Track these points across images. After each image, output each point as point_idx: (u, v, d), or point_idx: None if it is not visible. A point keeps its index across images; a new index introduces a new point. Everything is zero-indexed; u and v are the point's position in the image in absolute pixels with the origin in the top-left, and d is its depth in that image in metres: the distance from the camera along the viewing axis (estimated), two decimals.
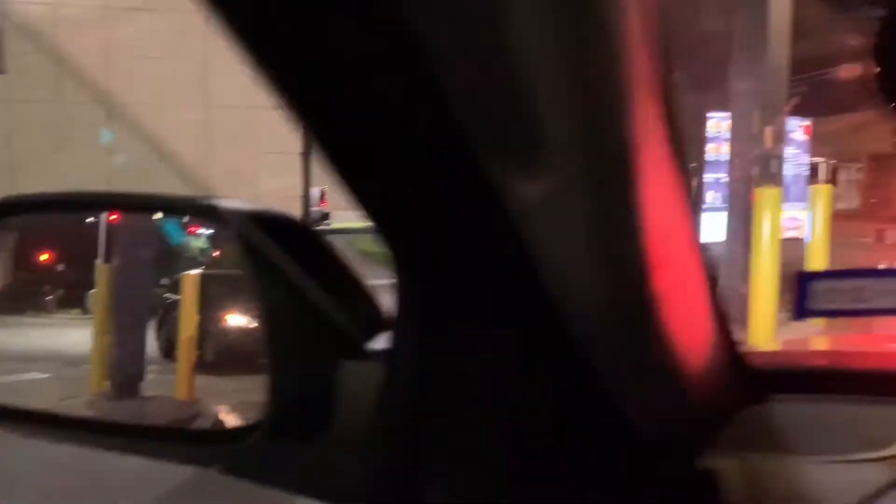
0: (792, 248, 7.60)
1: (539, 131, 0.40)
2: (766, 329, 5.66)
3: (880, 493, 0.61)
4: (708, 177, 9.40)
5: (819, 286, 0.67)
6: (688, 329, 0.62)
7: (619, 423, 0.62)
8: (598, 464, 0.62)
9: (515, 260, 0.44)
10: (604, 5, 0.38)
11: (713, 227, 8.37)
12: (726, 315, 0.71)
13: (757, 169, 6.53)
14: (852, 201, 40.40)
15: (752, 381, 0.77)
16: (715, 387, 0.71)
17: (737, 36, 6.82)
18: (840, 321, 4.98)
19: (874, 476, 0.64)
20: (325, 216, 15.94)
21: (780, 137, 7.04)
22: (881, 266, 4.85)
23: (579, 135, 0.41)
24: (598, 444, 0.62)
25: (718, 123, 8.59)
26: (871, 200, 36.95)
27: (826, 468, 0.67)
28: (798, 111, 15.05)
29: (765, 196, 5.78)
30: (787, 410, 0.77)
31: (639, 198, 0.45)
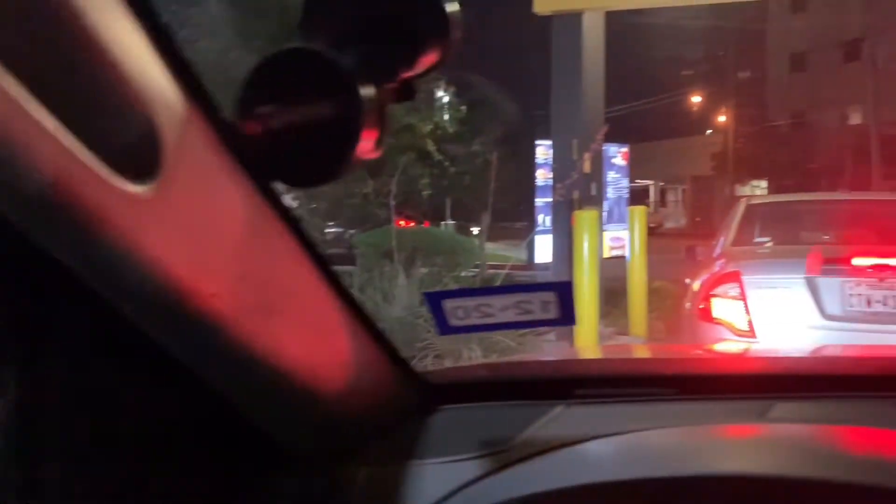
0: (619, 265, 8.10)
1: None
2: (589, 339, 5.99)
3: (468, 484, 0.65)
4: (539, 201, 9.85)
5: (448, 304, 0.70)
6: (320, 353, 0.63)
7: (240, 439, 0.62)
8: (206, 479, 0.62)
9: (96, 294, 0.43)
10: None
11: (544, 249, 8.78)
12: (386, 338, 0.73)
13: (577, 193, 6.90)
14: (679, 220, 43.57)
15: (422, 394, 0.81)
16: (373, 401, 0.73)
17: (553, 66, 7.22)
18: (659, 331, 5.26)
19: (476, 471, 0.68)
20: None
21: (599, 163, 7.50)
22: (687, 280, 5.25)
23: None
24: (212, 461, 0.62)
25: (545, 150, 9.02)
26: (696, 219, 40.09)
27: (450, 467, 0.71)
28: (622, 137, 16.15)
29: (583, 218, 6.11)
30: (454, 418, 0.82)
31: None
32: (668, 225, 39.04)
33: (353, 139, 0.45)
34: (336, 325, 0.65)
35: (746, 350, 1.53)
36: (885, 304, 3.78)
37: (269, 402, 0.59)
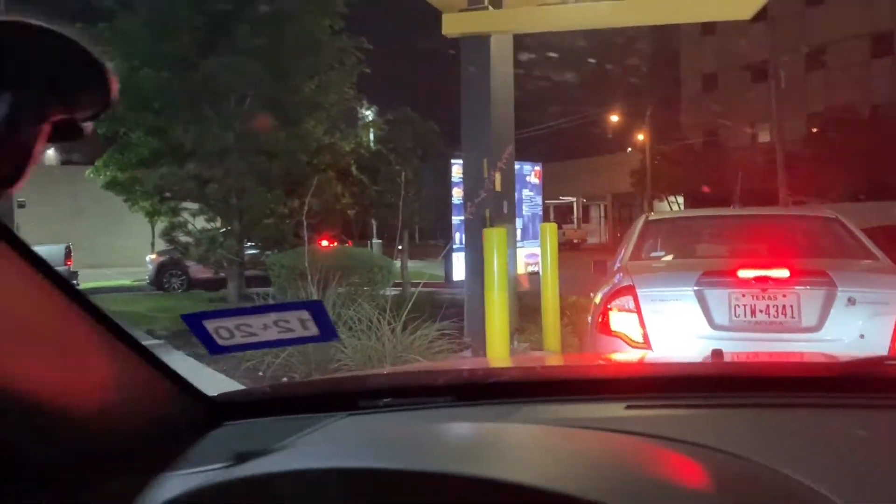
0: (537, 281, 8.24)
1: None
2: (501, 353, 6.06)
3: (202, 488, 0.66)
4: (455, 219, 9.95)
5: (210, 325, 0.71)
6: (70, 374, 0.64)
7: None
8: None
9: None
10: None
11: (461, 266, 8.85)
12: (161, 362, 0.74)
13: (488, 211, 6.99)
14: (602, 235, 44.54)
15: (207, 412, 0.83)
16: (142, 417, 0.74)
17: (463, 86, 7.33)
18: (573, 345, 5.32)
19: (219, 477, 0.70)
20: (73, 275, 14.62)
21: (510, 181, 7.63)
22: (591, 294, 5.39)
23: None
24: None
25: (459, 169, 9.12)
26: (617, 234, 41.03)
27: (195, 476, 0.73)
28: (544, 156, 16.48)
29: (492, 235, 6.19)
30: (235, 431, 0.84)
31: None
32: (592, 240, 39.98)
33: None
34: (88, 349, 0.66)
35: (543, 358, 1.61)
36: (767, 314, 3.97)
37: (9, 418, 0.60)
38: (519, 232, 9.03)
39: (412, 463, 0.63)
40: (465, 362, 1.98)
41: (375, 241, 22.95)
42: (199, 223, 10.76)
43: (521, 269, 8.95)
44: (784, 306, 3.95)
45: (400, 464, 0.64)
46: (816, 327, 3.87)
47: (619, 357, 1.59)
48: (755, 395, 0.90)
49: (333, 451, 0.71)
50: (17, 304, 0.59)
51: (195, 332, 0.72)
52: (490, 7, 7.23)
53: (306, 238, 7.71)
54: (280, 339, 0.72)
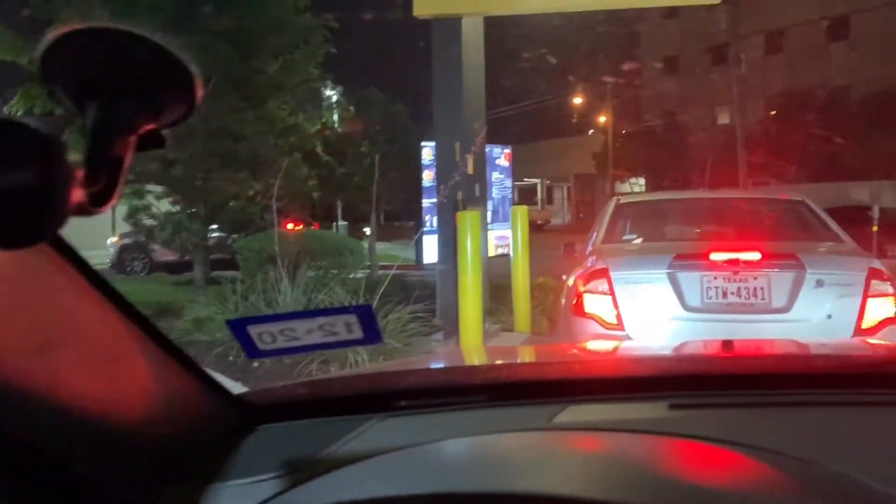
0: (507, 264, 8.28)
1: None
2: (474, 336, 6.10)
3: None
4: (426, 202, 9.93)
5: (254, 330, 0.71)
6: (114, 383, 0.63)
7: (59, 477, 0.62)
8: None
9: None
10: None
11: (432, 249, 8.86)
12: (195, 364, 0.73)
13: (461, 194, 6.99)
14: (565, 216, 44.80)
15: (240, 416, 0.82)
16: (181, 426, 0.73)
17: (434, 69, 7.29)
18: (543, 326, 5.38)
19: (274, 490, 0.70)
20: None
21: (482, 164, 7.63)
22: (563, 276, 5.43)
23: None
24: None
25: (430, 152, 9.09)
26: (580, 215, 41.38)
27: (250, 488, 0.73)
28: (507, 138, 16.50)
29: (466, 218, 6.20)
30: (270, 436, 0.84)
31: None
32: (555, 221, 40.30)
33: (53, 204, 0.46)
34: (132, 355, 0.65)
35: (567, 353, 1.63)
36: (738, 296, 4.06)
37: (59, 435, 0.59)
38: (489, 214, 9.06)
39: (470, 483, 0.63)
40: (496, 356, 1.97)
41: (341, 223, 22.81)
42: (164, 206, 10.57)
43: (491, 252, 8.99)
44: (755, 288, 4.05)
45: (434, 487, 0.65)
46: (786, 308, 3.98)
47: (647, 351, 1.61)
48: (795, 393, 0.92)
49: (371, 474, 0.71)
50: (66, 312, 0.58)
51: (237, 336, 0.72)
52: None
53: (275, 221, 7.63)
54: (322, 343, 0.72)
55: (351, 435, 0.82)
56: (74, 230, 0.50)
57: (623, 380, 0.96)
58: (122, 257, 16.11)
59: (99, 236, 16.62)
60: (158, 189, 10.65)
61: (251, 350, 0.72)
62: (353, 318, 0.70)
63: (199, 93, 0.54)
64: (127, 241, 15.72)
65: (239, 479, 0.75)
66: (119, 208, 14.09)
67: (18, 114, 9.28)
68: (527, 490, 0.64)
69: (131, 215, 10.44)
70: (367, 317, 0.71)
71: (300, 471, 0.74)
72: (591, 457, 0.73)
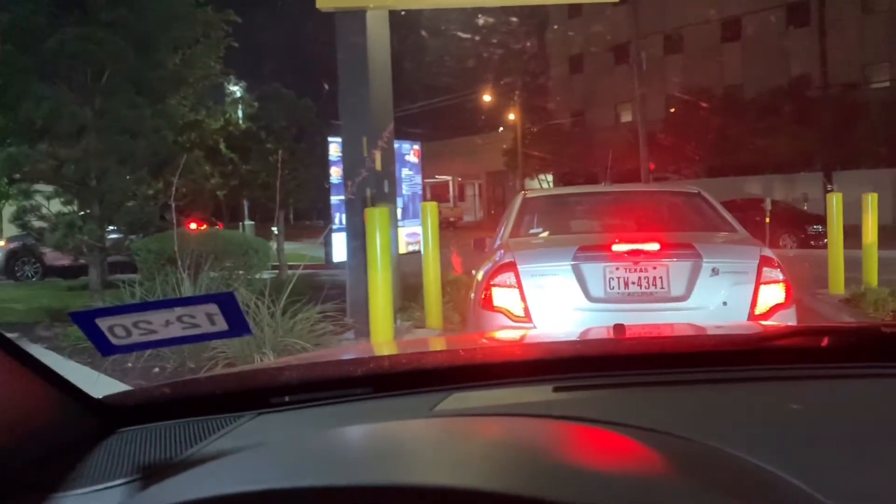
0: (418, 261, 8.26)
1: None
2: (385, 333, 6.03)
3: None
4: (334, 199, 9.77)
5: (104, 324, 0.63)
6: None
7: None
8: None
9: None
10: None
11: (341, 247, 8.73)
12: (44, 366, 0.66)
13: (369, 190, 6.91)
14: (477, 213, 45.39)
15: (99, 419, 0.75)
16: (27, 431, 0.66)
17: (340, 63, 7.17)
18: (455, 322, 5.37)
19: (128, 495, 0.65)
20: None
21: (390, 160, 7.57)
22: (472, 271, 5.46)
23: None
24: None
25: (338, 148, 8.96)
26: (492, 212, 41.98)
27: (102, 494, 0.67)
28: (418, 135, 16.49)
29: (374, 215, 6.13)
30: (130, 439, 0.77)
31: None
32: (468, 218, 40.65)
33: None
34: None
35: (445, 342, 1.61)
36: (639, 286, 4.17)
37: None
38: (399, 211, 9.00)
39: (325, 478, 0.58)
40: (387, 348, 1.92)
41: (248, 222, 22.24)
42: (56, 206, 9.99)
43: (402, 249, 8.94)
44: (654, 278, 4.16)
45: (311, 480, 0.60)
46: (684, 296, 4.12)
47: (535, 337, 1.60)
48: (680, 371, 0.92)
49: (238, 469, 0.65)
50: None
51: (85, 331, 0.64)
52: None
53: (175, 221, 7.33)
54: (184, 337, 0.66)
55: (218, 434, 0.76)
56: None
57: (507, 364, 0.93)
58: (11, 262, 15.20)
59: None
60: (49, 189, 10.06)
61: (104, 346, 0.65)
62: (214, 309, 0.64)
63: None
64: (15, 244, 14.83)
65: (88, 486, 0.68)
66: (6, 209, 13.26)
67: None
68: (388, 482, 0.60)
69: (19, 217, 9.81)
70: (230, 306, 0.65)
71: (155, 474, 0.68)
72: (468, 442, 0.70)
